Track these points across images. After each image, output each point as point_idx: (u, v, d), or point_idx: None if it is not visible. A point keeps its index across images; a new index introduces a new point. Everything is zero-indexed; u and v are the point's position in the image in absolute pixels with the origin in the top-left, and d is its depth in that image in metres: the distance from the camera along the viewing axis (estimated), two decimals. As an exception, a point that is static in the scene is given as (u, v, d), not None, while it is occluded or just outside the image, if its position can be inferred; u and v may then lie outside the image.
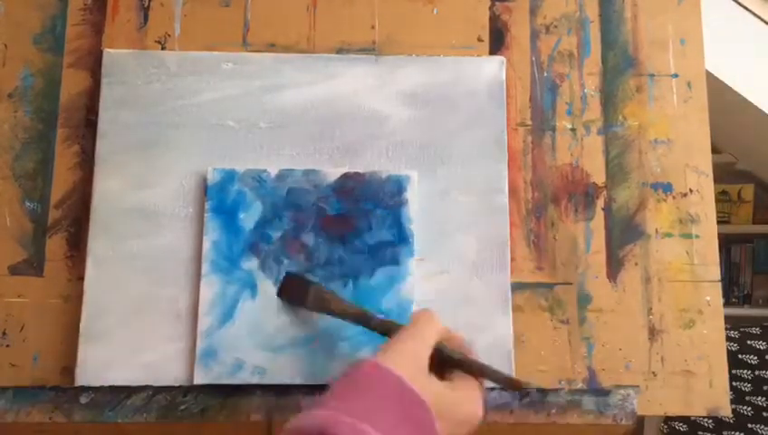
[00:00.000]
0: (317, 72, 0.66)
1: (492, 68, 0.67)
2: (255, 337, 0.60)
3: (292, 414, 0.59)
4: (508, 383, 0.53)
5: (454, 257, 0.63)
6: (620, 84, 0.68)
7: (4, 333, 0.62)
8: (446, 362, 0.51)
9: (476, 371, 0.51)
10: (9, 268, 0.63)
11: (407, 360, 0.47)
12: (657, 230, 0.66)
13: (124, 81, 0.65)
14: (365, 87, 0.66)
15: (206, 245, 0.61)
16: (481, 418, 0.50)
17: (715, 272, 0.65)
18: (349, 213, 0.62)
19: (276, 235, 0.62)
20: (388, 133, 0.65)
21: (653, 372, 0.63)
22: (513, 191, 0.66)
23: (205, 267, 0.61)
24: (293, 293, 0.60)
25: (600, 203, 0.66)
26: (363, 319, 0.56)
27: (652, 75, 0.68)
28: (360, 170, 0.64)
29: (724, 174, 2.59)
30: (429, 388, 0.47)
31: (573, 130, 0.67)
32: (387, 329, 0.54)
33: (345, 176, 0.63)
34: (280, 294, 0.61)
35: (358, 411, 0.43)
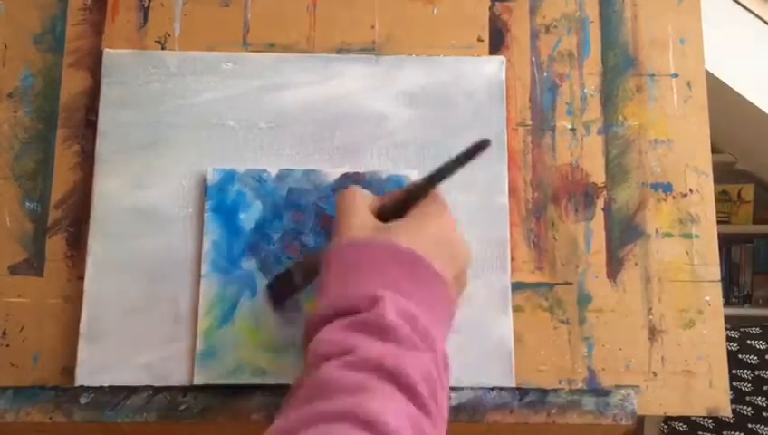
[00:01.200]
0: (317, 72, 0.66)
1: (492, 68, 0.67)
2: (255, 337, 0.60)
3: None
4: (469, 154, 0.51)
5: (454, 257, 0.63)
6: (620, 84, 0.68)
7: (4, 333, 0.62)
8: (400, 209, 0.50)
9: (426, 184, 0.50)
10: (9, 268, 0.63)
11: (358, 228, 0.46)
12: (657, 230, 0.66)
13: (124, 81, 0.65)
14: (365, 87, 0.66)
15: (206, 245, 0.61)
16: (453, 225, 0.48)
17: (715, 272, 0.65)
18: (349, 213, 0.62)
19: (276, 235, 0.62)
20: (388, 133, 0.65)
21: (653, 372, 0.63)
22: (513, 191, 0.66)
23: (205, 267, 0.61)
24: (284, 290, 0.58)
25: (600, 203, 0.66)
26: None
27: (652, 75, 0.68)
28: (360, 170, 0.64)
29: (724, 174, 2.59)
30: (395, 232, 0.45)
31: (573, 130, 0.67)
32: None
33: (345, 176, 0.63)
34: (274, 302, 0.59)
35: (356, 282, 0.42)
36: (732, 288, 2.74)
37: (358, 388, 0.37)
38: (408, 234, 0.45)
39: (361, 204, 0.49)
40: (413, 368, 0.39)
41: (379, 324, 0.40)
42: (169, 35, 0.67)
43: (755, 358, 1.61)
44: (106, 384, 0.60)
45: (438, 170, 0.52)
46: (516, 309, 0.63)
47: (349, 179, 0.63)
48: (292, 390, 0.40)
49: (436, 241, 0.46)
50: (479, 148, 0.51)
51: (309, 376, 0.39)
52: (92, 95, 0.66)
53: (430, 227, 0.47)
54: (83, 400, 0.60)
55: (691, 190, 0.67)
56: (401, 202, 0.51)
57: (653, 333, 0.64)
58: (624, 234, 0.66)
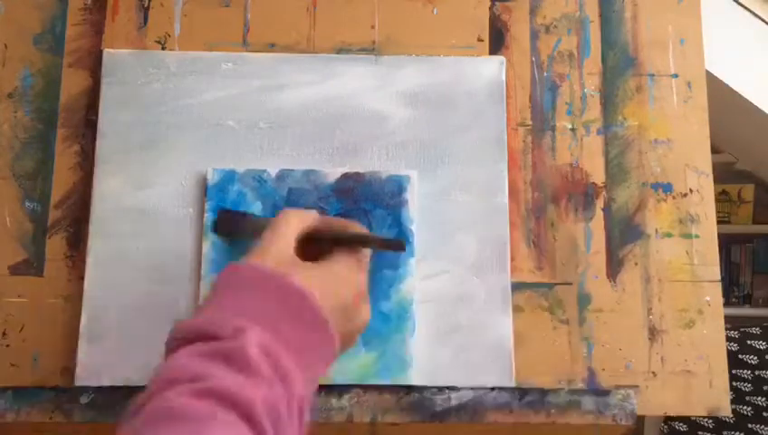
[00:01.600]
0: (317, 72, 0.66)
1: (492, 68, 0.67)
2: (255, 337, 0.60)
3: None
4: (386, 245, 0.54)
5: (454, 257, 0.63)
6: (620, 84, 0.68)
7: (4, 333, 0.62)
8: (325, 246, 0.51)
9: (351, 240, 0.51)
10: (9, 268, 0.63)
11: (272, 256, 0.47)
12: (656, 230, 0.66)
13: (124, 81, 0.65)
14: (365, 87, 0.66)
15: (206, 245, 0.61)
16: (360, 284, 0.49)
17: (714, 272, 0.65)
18: (349, 213, 0.62)
19: (276, 235, 0.62)
20: (388, 133, 0.65)
21: (653, 372, 0.63)
22: (513, 191, 0.66)
23: (205, 267, 0.61)
24: (230, 225, 0.61)
25: (600, 203, 0.66)
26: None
27: (652, 75, 0.68)
28: (360, 170, 0.64)
29: (724, 174, 2.59)
30: (303, 273, 0.46)
31: (573, 130, 0.67)
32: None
33: (345, 176, 0.63)
34: (216, 229, 0.61)
35: (236, 309, 0.43)
36: (732, 288, 2.74)
37: (200, 416, 0.37)
38: (314, 278, 0.46)
39: (290, 232, 0.50)
40: (260, 401, 0.39)
41: (237, 356, 0.40)
42: (169, 35, 0.67)
43: (755, 358, 1.61)
44: (106, 384, 0.60)
45: (373, 236, 0.53)
46: (516, 309, 0.63)
47: (349, 180, 0.63)
48: (133, 410, 0.39)
49: (338, 294, 0.47)
50: (396, 245, 0.53)
51: (151, 400, 0.38)
52: (92, 95, 0.66)
53: (339, 279, 0.48)
54: (83, 400, 0.60)
55: (691, 190, 0.67)
56: (330, 240, 0.51)
57: (653, 333, 0.64)
58: (624, 234, 0.66)
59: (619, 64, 0.69)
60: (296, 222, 0.50)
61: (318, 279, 0.46)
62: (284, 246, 0.48)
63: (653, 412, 0.62)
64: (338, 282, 0.48)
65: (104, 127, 0.64)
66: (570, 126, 0.67)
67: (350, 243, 0.51)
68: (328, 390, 0.60)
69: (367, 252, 0.52)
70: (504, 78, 0.67)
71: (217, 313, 0.43)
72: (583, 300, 0.64)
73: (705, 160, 0.67)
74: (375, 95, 0.66)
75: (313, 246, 0.50)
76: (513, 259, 0.64)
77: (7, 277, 0.63)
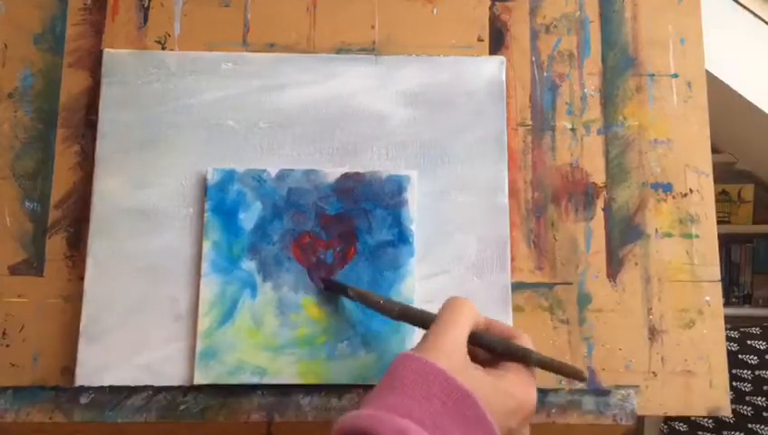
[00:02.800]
0: (317, 72, 0.66)
1: (492, 68, 0.67)
2: (255, 337, 0.60)
3: (293, 414, 0.59)
4: (563, 371, 0.51)
5: (454, 257, 0.63)
6: (620, 84, 0.68)
7: (4, 333, 0.62)
8: (491, 352, 0.51)
9: (522, 358, 0.50)
10: (9, 268, 0.63)
11: (446, 352, 0.47)
12: (657, 230, 0.66)
13: (124, 81, 0.65)
14: (365, 87, 0.66)
15: (206, 245, 0.61)
16: (534, 404, 0.48)
17: (715, 272, 0.65)
18: (349, 213, 0.62)
19: (276, 235, 0.62)
20: (388, 133, 0.65)
21: (653, 372, 0.63)
22: (513, 191, 0.66)
23: (205, 267, 0.61)
24: (333, 288, 0.61)
25: (600, 203, 0.66)
26: (403, 312, 0.56)
27: (652, 75, 0.68)
28: (360, 170, 0.64)
29: (724, 174, 2.59)
30: (474, 379, 0.46)
31: (573, 130, 0.67)
32: (424, 320, 0.54)
33: (345, 176, 0.63)
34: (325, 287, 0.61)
35: (400, 409, 0.43)
36: (732, 288, 2.74)
37: None
38: (490, 392, 0.46)
39: (465, 323, 0.49)
40: None
41: None
42: (169, 35, 0.67)
43: (755, 358, 1.62)
44: (106, 384, 0.60)
45: (548, 359, 0.51)
46: (516, 309, 0.63)
47: (349, 179, 0.63)
48: None
49: (510, 412, 0.47)
50: (576, 374, 0.51)
51: None
52: (92, 95, 0.66)
53: (513, 396, 0.48)
54: (83, 400, 0.60)
55: (691, 190, 0.67)
56: (497, 350, 0.50)
57: (653, 333, 0.64)
58: (624, 234, 0.66)
59: (619, 64, 0.69)
60: (467, 318, 0.50)
61: (492, 393, 0.46)
62: (460, 343, 0.48)
63: (653, 412, 0.62)
64: (510, 400, 0.47)
65: (104, 127, 0.64)
66: (570, 126, 0.67)
67: (518, 358, 0.50)
68: (328, 390, 0.60)
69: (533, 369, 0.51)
70: (504, 78, 0.67)
71: (385, 412, 0.43)
72: (583, 300, 0.64)
73: (705, 160, 0.67)
74: (375, 95, 0.66)
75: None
76: (513, 259, 0.64)
77: (7, 277, 0.63)
